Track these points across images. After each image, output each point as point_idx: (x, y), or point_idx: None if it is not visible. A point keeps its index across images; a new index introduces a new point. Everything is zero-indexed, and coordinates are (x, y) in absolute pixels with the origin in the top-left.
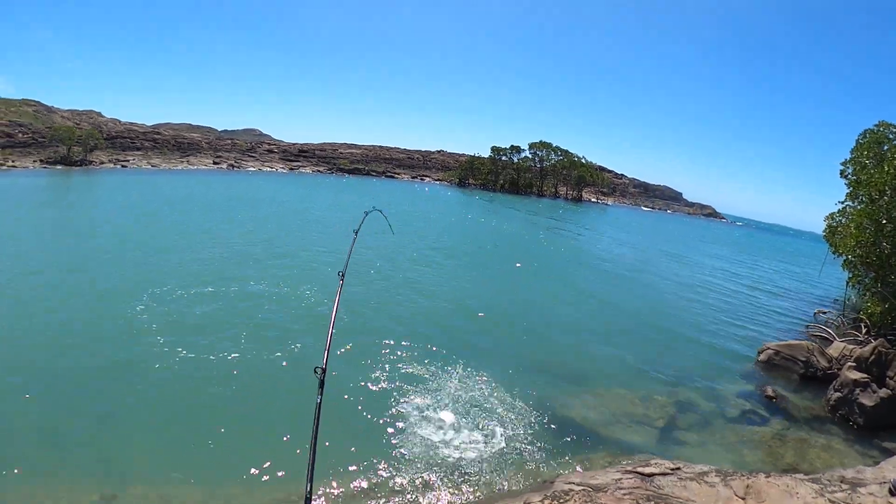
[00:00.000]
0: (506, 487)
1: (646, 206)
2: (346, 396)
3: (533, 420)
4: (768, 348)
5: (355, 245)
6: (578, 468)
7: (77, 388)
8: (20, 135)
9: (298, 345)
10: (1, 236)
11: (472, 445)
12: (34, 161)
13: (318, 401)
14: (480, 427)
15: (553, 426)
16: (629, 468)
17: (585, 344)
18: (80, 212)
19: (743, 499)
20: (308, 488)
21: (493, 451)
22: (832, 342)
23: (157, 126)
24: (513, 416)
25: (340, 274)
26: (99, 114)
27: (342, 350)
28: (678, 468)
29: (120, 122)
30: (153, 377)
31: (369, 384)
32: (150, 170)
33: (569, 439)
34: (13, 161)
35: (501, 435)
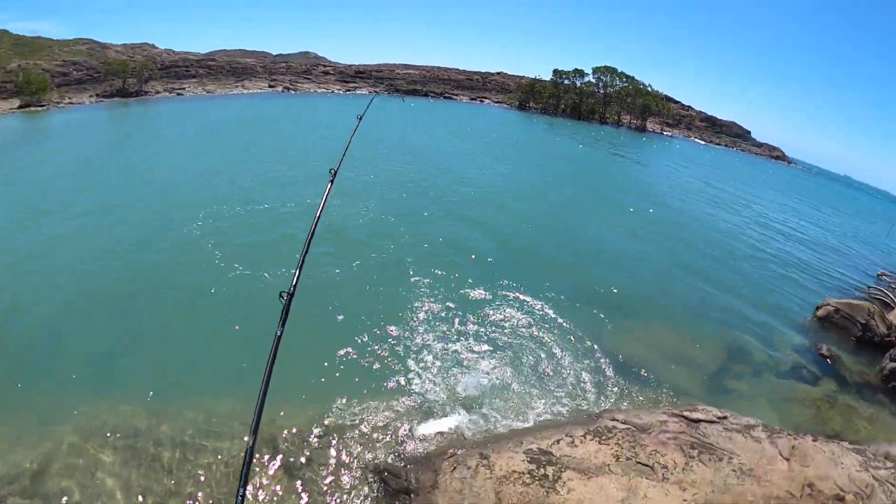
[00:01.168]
0: (546, 417)
1: (710, 142)
2: (362, 307)
3: (580, 349)
4: (828, 304)
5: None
6: (624, 404)
7: (121, 309)
8: (74, 72)
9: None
10: (53, 174)
11: (509, 371)
12: (90, 96)
13: (279, 333)
14: (519, 352)
15: (601, 358)
16: (675, 411)
17: (640, 276)
18: (134, 143)
19: (787, 459)
20: (254, 426)
21: (533, 377)
22: (893, 308)
23: (211, 53)
24: (557, 343)
25: (331, 171)
26: (153, 46)
27: (376, 263)
28: (725, 417)
29: (174, 52)
30: (194, 297)
31: (400, 302)
32: (205, 96)
33: (616, 373)
34: (70, 98)
35: (543, 361)
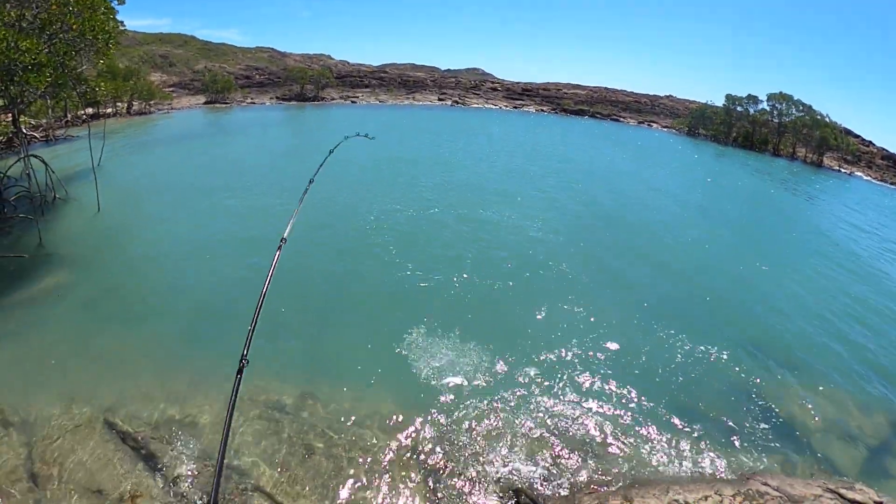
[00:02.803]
0: (693, 467)
1: (892, 183)
2: (519, 316)
3: (735, 401)
4: None
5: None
6: (777, 469)
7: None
8: (257, 76)
9: None
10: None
11: (658, 413)
12: (270, 98)
13: (232, 399)
14: (669, 394)
15: (756, 413)
16: (831, 486)
17: (809, 330)
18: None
19: None
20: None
21: (683, 422)
22: None
23: (382, 66)
24: (711, 389)
25: (282, 239)
26: (328, 56)
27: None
28: (881, 503)
29: (349, 63)
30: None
31: (557, 322)
32: (377, 105)
33: (771, 433)
34: (252, 98)
35: (695, 408)
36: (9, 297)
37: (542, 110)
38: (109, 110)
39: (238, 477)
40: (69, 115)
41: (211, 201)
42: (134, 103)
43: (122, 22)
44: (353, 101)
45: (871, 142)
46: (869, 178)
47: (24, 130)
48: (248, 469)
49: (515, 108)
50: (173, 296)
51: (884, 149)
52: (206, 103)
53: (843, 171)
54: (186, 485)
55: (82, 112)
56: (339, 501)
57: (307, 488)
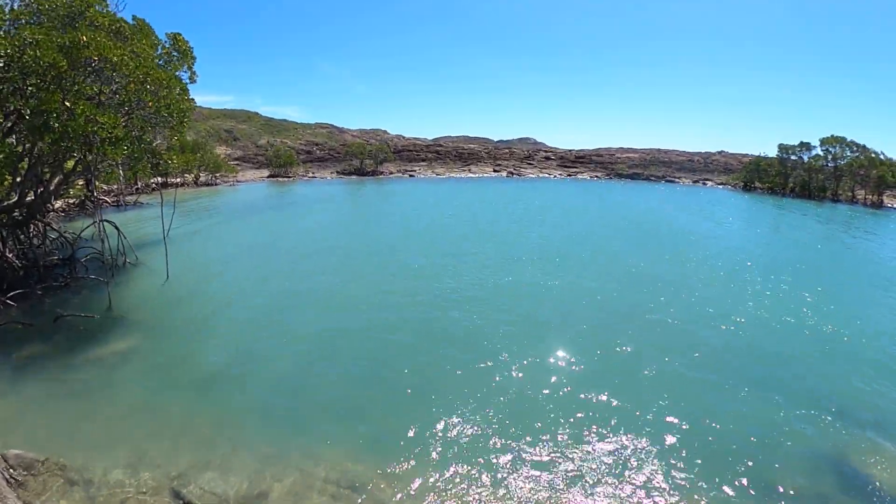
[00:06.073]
0: None
1: None
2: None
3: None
4: None
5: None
6: None
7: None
8: (318, 151)
9: None
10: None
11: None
12: (331, 172)
13: None
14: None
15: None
16: None
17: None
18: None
19: None
20: None
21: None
22: None
23: (437, 139)
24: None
25: None
26: (384, 131)
27: None
28: None
29: (404, 137)
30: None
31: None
32: (434, 178)
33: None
34: (312, 172)
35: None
36: (78, 355)
37: (597, 176)
38: (178, 180)
39: None
40: (140, 183)
41: (279, 273)
42: (201, 175)
43: (193, 99)
44: (410, 175)
45: None
46: None
47: (97, 195)
48: None
49: (570, 175)
50: (243, 365)
51: None
52: (269, 176)
53: None
54: None
55: (152, 181)
56: None
57: None
